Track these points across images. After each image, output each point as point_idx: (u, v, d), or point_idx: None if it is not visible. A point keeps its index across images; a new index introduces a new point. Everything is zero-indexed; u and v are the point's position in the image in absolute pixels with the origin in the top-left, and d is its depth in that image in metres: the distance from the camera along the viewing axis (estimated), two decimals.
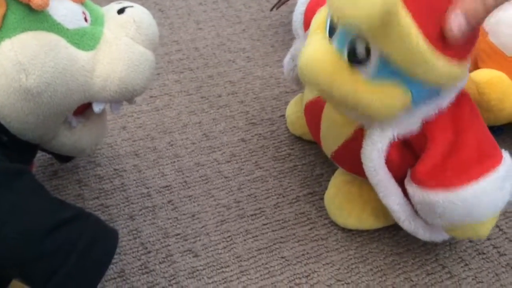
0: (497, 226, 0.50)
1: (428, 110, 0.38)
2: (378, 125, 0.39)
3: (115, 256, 0.45)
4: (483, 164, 0.38)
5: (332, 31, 0.36)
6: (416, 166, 0.39)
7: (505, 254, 0.48)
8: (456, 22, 0.32)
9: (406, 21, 0.31)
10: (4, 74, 0.31)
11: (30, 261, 0.30)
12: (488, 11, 0.32)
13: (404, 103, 0.35)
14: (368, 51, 0.34)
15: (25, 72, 0.31)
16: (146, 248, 0.46)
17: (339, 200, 0.48)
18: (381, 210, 0.46)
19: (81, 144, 0.38)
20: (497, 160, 0.39)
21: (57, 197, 0.35)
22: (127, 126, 0.56)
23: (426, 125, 0.38)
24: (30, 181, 0.32)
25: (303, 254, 0.47)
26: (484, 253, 0.48)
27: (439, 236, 0.45)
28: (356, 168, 0.43)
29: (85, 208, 0.48)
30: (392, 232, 0.49)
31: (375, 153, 0.39)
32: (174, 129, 0.56)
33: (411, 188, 0.40)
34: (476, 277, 0.46)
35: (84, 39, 0.35)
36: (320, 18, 0.39)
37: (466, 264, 0.47)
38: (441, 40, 0.33)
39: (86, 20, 0.36)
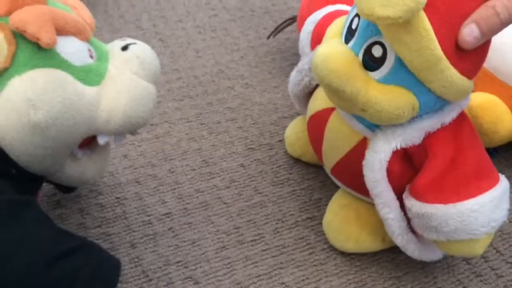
0: (494, 248, 0.51)
1: (432, 123, 0.39)
2: (382, 135, 0.40)
3: (118, 285, 0.46)
4: (481, 182, 0.39)
5: (348, 37, 0.39)
6: (416, 179, 0.40)
7: (502, 276, 0.49)
8: (468, 29, 0.34)
9: (426, 25, 0.33)
10: (13, 109, 0.32)
11: None
12: (503, 23, 0.34)
13: (411, 109, 0.37)
14: (384, 54, 0.36)
15: (34, 107, 0.32)
16: (148, 276, 0.47)
17: (336, 224, 0.48)
18: (379, 232, 0.47)
19: (86, 175, 0.39)
20: (494, 179, 0.40)
21: (61, 227, 0.36)
22: (128, 154, 0.57)
23: (428, 139, 0.39)
24: (36, 213, 0.33)
25: (303, 280, 0.48)
26: (481, 275, 0.49)
27: (429, 255, 0.46)
28: (355, 182, 0.44)
29: (87, 237, 0.49)
30: (390, 256, 0.49)
31: (377, 163, 0.40)
32: (174, 156, 0.57)
33: (409, 201, 0.41)
34: None
35: (90, 75, 0.36)
36: (335, 27, 0.42)
37: (465, 287, 0.48)
38: (455, 52, 0.35)
39: (91, 56, 0.37)
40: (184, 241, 0.49)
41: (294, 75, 0.51)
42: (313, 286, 0.47)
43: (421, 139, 0.39)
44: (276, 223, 0.52)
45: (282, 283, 0.47)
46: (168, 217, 0.51)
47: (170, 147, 0.58)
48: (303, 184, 0.56)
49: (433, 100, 0.37)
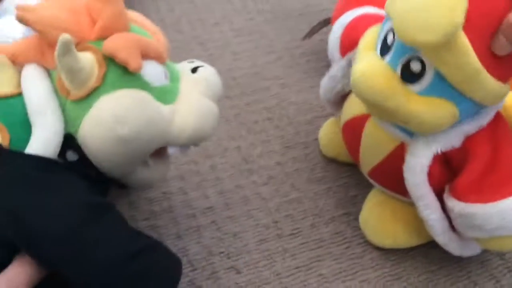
0: None
1: (471, 127, 0.41)
2: (423, 140, 0.42)
3: None
4: None
5: (383, 50, 0.40)
6: (457, 180, 0.42)
7: None
8: (496, 40, 0.36)
9: (464, 42, 0.35)
10: (102, 124, 0.36)
11: (115, 283, 0.34)
12: None
13: (452, 117, 0.39)
14: (423, 69, 0.38)
15: (120, 123, 0.36)
16: (193, 265, 0.50)
17: (373, 222, 0.50)
18: (414, 228, 0.49)
19: (153, 179, 0.43)
20: None
21: (133, 227, 0.39)
22: None
23: (467, 141, 0.41)
24: (115, 215, 0.37)
25: (340, 272, 0.50)
26: None
27: (469, 251, 0.47)
28: (394, 185, 0.46)
29: (137, 228, 0.52)
30: (425, 250, 0.51)
31: (418, 167, 0.42)
32: (215, 154, 0.60)
33: (451, 202, 0.42)
34: None
35: (166, 95, 0.40)
36: (369, 38, 0.43)
37: (498, 281, 0.49)
38: (491, 61, 0.36)
39: (166, 77, 0.41)
40: (226, 234, 0.52)
41: (326, 81, 0.52)
42: (350, 278, 0.49)
43: (460, 143, 0.41)
44: (313, 218, 0.54)
45: (320, 275, 0.49)
46: (211, 210, 0.54)
47: (211, 145, 0.61)
48: (338, 181, 0.58)
49: (472, 106, 0.39)
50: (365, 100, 0.39)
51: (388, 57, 0.40)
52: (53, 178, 0.36)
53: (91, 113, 0.37)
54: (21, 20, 0.36)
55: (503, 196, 0.40)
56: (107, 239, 0.35)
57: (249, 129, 0.63)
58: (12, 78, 0.39)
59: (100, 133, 0.36)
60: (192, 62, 0.44)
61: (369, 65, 0.39)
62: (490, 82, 0.37)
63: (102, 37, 0.37)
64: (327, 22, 0.71)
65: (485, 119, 0.41)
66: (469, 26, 0.35)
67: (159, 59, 0.40)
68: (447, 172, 0.43)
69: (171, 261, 0.39)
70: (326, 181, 0.58)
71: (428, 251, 0.51)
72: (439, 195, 0.44)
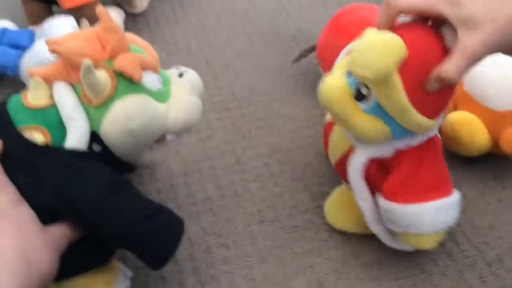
0: (465, 235, 0.64)
1: (401, 144, 0.51)
2: (362, 146, 0.53)
3: None
4: (432, 192, 0.51)
5: (349, 74, 0.50)
6: (384, 182, 0.53)
7: (469, 257, 0.62)
8: (431, 86, 0.45)
9: (396, 81, 0.44)
10: (117, 121, 0.47)
11: (136, 236, 0.47)
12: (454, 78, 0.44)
13: (384, 136, 0.49)
14: (368, 94, 0.48)
15: (131, 119, 0.48)
16: (192, 242, 0.62)
17: (331, 208, 0.63)
18: (362, 220, 0.60)
19: (156, 160, 0.55)
20: (445, 193, 0.52)
21: (147, 198, 0.51)
22: (179, 152, 0.73)
23: (398, 154, 0.51)
24: (133, 188, 0.49)
25: (309, 251, 0.62)
26: (452, 255, 0.62)
27: (398, 245, 0.58)
28: (345, 177, 0.57)
29: None
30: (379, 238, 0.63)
31: (355, 165, 0.53)
32: (214, 156, 0.73)
33: (379, 199, 0.54)
34: (441, 272, 0.60)
35: (161, 96, 0.51)
36: (343, 61, 0.53)
37: (436, 263, 0.61)
38: (419, 100, 0.46)
39: (160, 82, 0.52)
40: (220, 219, 0.65)
41: None
42: (316, 255, 0.61)
43: (392, 153, 0.52)
44: (291, 209, 0.66)
45: (293, 252, 0.62)
46: (208, 200, 0.67)
47: (211, 148, 0.74)
48: (314, 179, 0.70)
49: (403, 131, 0.48)
50: (324, 106, 0.50)
51: (350, 79, 0.50)
52: (86, 163, 0.47)
53: (108, 115, 0.47)
54: (53, 52, 0.47)
55: (415, 201, 0.51)
56: (128, 205, 0.47)
57: (243, 135, 0.76)
58: (46, 93, 0.49)
59: (116, 128, 0.48)
60: (179, 68, 0.55)
61: (332, 81, 0.49)
62: (416, 116, 0.46)
63: (111, 58, 0.48)
64: (314, 48, 0.83)
65: (414, 140, 0.50)
66: (405, 70, 0.44)
67: (153, 69, 0.51)
68: (382, 173, 0.53)
69: (176, 220, 0.51)
70: (304, 180, 0.70)
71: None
72: (376, 191, 0.55)
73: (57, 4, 0.85)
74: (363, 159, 0.53)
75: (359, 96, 0.49)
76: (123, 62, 0.48)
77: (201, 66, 0.88)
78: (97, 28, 0.50)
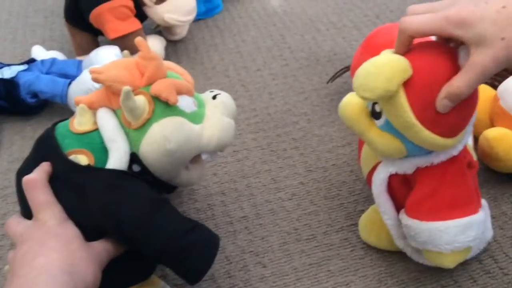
0: (504, 252, 0.63)
1: (421, 161, 0.51)
2: (385, 162, 0.54)
3: None
4: (453, 211, 0.51)
5: None
6: (407, 198, 0.54)
7: (508, 274, 0.60)
8: (441, 103, 0.46)
9: (402, 100, 0.46)
10: (155, 143, 0.50)
11: (173, 253, 0.49)
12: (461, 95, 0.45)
13: (399, 151, 0.50)
14: (381, 111, 0.49)
15: (168, 141, 0.50)
16: (229, 260, 0.64)
17: (365, 223, 0.63)
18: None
19: (192, 179, 0.57)
20: (466, 213, 0.52)
21: (183, 214, 0.54)
22: (217, 173, 0.75)
23: (419, 171, 0.52)
24: (171, 206, 0.52)
25: (344, 269, 0.62)
26: (490, 273, 0.61)
27: (423, 259, 0.58)
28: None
29: None
30: None
31: (378, 180, 0.55)
32: (250, 175, 0.75)
33: (401, 214, 0.55)
34: None
35: (196, 118, 0.54)
36: None
37: (475, 281, 0.60)
38: (430, 120, 0.46)
39: (195, 105, 0.55)
40: (256, 237, 0.66)
41: None
42: (352, 274, 0.62)
43: (413, 170, 0.52)
44: (326, 227, 0.67)
45: (328, 271, 0.62)
46: (245, 219, 0.69)
47: (247, 168, 0.76)
48: (349, 198, 0.71)
49: (417, 148, 0.49)
50: (343, 121, 0.53)
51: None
52: (127, 183, 0.50)
53: (147, 136, 0.50)
54: (96, 80, 0.51)
55: (432, 219, 0.51)
56: (168, 221, 0.49)
57: (278, 155, 0.78)
58: (90, 119, 0.52)
59: (154, 149, 0.50)
60: (212, 91, 0.58)
61: (350, 98, 0.52)
62: (424, 134, 0.46)
63: (149, 84, 0.51)
64: (348, 68, 0.85)
65: (435, 159, 0.51)
66: (412, 89, 0.46)
67: (188, 93, 0.53)
68: (406, 189, 0.54)
69: (212, 236, 0.53)
70: (339, 198, 0.71)
71: None
72: (402, 207, 0.55)
73: (102, 34, 0.91)
74: (385, 174, 0.54)
75: (374, 114, 0.50)
76: (159, 87, 0.51)
77: (238, 89, 0.91)
78: (136, 57, 0.53)
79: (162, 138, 0.50)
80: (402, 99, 0.46)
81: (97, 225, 0.49)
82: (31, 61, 0.88)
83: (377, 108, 0.50)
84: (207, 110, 0.56)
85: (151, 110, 0.50)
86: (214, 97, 0.57)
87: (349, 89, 0.88)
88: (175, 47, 1.02)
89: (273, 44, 1.01)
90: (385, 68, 0.46)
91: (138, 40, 0.52)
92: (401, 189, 0.55)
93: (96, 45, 0.94)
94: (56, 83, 0.82)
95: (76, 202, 0.49)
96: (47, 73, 0.85)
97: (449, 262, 0.53)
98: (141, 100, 0.50)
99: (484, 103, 0.72)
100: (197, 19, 1.05)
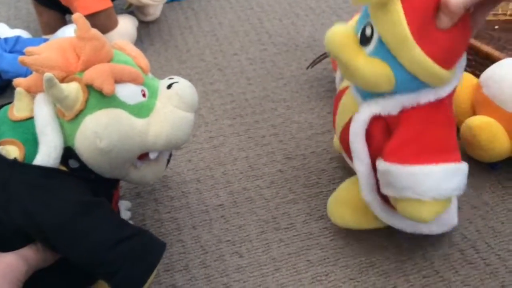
0: (485, 242, 0.62)
1: (408, 99, 0.48)
2: (367, 102, 0.50)
3: (181, 254, 0.61)
4: (439, 155, 0.48)
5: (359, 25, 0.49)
6: (387, 142, 0.50)
7: (490, 265, 0.59)
8: (439, 19, 0.44)
9: (398, 10, 0.44)
10: (87, 139, 0.44)
11: (102, 263, 0.44)
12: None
13: (387, 80, 0.47)
14: (371, 34, 0.47)
15: (99, 138, 0.44)
16: (205, 249, 0.61)
17: (335, 200, 0.62)
18: (362, 212, 0.57)
19: (146, 178, 0.51)
20: (452, 158, 0.49)
21: (124, 220, 0.49)
22: (192, 159, 0.72)
23: (403, 113, 0.49)
24: (105, 209, 0.46)
25: (324, 259, 0.60)
26: (472, 263, 0.60)
27: (394, 221, 0.55)
28: (347, 147, 0.54)
29: (160, 220, 0.64)
30: (397, 244, 0.61)
31: (358, 122, 0.51)
32: (227, 162, 0.72)
33: (378, 161, 0.51)
34: (463, 281, 0.58)
35: (141, 110, 0.47)
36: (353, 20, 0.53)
37: (456, 271, 0.59)
38: (423, 36, 0.44)
39: (144, 95, 0.48)
40: (233, 226, 0.64)
41: (338, 78, 0.64)
42: (332, 264, 0.60)
43: (397, 111, 0.49)
44: (306, 216, 0.65)
45: (307, 260, 0.60)
46: (221, 207, 0.66)
47: (224, 155, 0.73)
48: (329, 186, 0.68)
49: (408, 78, 0.46)
50: (330, 52, 0.49)
51: (357, 25, 0.49)
52: (52, 183, 0.44)
53: (79, 131, 0.45)
54: (22, 63, 0.44)
55: (415, 163, 0.48)
56: (95, 228, 0.44)
57: (256, 142, 0.75)
58: (28, 105, 0.46)
59: (86, 146, 0.45)
60: (172, 78, 0.50)
61: (339, 27, 0.49)
62: (417, 52, 0.44)
63: (86, 69, 0.45)
64: (329, 54, 0.83)
65: (423, 98, 0.48)
66: (408, 2, 0.44)
67: (134, 80, 0.47)
68: (386, 138, 0.51)
69: (153, 247, 0.47)
70: (318, 186, 0.69)
71: (399, 244, 0.61)
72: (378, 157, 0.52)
73: (70, 13, 0.86)
74: (367, 115, 0.51)
75: (364, 40, 0.48)
76: (92, 73, 0.44)
77: (214, 73, 0.87)
78: (73, 36, 0.46)
79: (93, 134, 0.44)
80: (398, 6, 0.44)
81: (19, 229, 0.43)
82: None
83: (368, 31, 0.47)
84: (158, 101, 0.48)
85: (85, 100, 0.44)
86: (169, 86, 0.49)
87: (328, 75, 0.86)
88: (147, 29, 0.98)
89: (251, 28, 0.98)
90: None
91: (76, 15, 0.45)
92: (380, 136, 0.51)
93: (64, 23, 0.89)
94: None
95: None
96: (10, 52, 0.80)
97: (427, 213, 0.49)
98: (71, 89, 0.43)
99: (466, 91, 0.71)
100: (170, 1, 1.00)
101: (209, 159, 0.72)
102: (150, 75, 0.51)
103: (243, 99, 0.82)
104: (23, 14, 1.02)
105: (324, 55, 0.84)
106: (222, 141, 0.75)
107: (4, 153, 0.44)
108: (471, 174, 0.67)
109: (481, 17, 0.47)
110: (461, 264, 0.60)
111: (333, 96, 0.81)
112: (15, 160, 0.44)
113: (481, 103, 0.69)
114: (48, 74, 0.42)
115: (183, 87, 0.49)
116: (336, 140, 0.71)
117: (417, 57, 0.45)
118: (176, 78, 0.50)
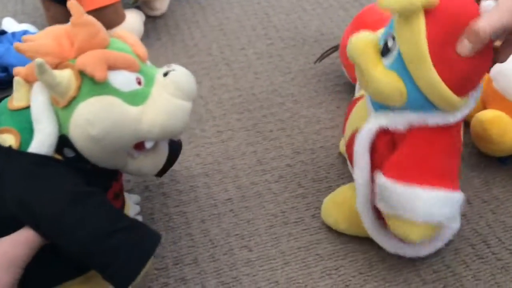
0: (496, 237, 0.61)
1: (416, 117, 0.48)
2: (377, 113, 0.50)
3: (190, 248, 0.60)
4: (436, 180, 0.48)
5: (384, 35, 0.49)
6: (389, 157, 0.50)
7: (501, 259, 0.59)
8: (461, 43, 0.43)
9: (420, 24, 0.43)
10: (79, 127, 0.44)
11: (94, 254, 0.43)
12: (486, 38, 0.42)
13: (399, 94, 0.46)
14: (393, 46, 0.46)
15: (91, 125, 0.43)
16: (214, 243, 0.61)
17: (330, 202, 0.62)
18: (356, 219, 0.56)
19: (144, 169, 0.50)
20: (447, 186, 0.49)
21: (120, 212, 0.48)
22: (200, 153, 0.72)
23: (410, 131, 0.49)
24: (99, 200, 0.45)
25: (333, 253, 0.60)
26: (483, 258, 0.59)
27: (381, 239, 0.55)
28: (352, 153, 0.53)
29: (169, 214, 0.64)
30: None
31: (365, 131, 0.50)
32: (235, 156, 0.72)
33: (377, 174, 0.50)
34: (474, 276, 0.57)
35: (135, 98, 0.46)
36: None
37: (467, 266, 0.58)
38: (441, 59, 0.44)
39: (140, 83, 0.47)
40: (242, 220, 0.63)
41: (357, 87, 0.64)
42: (341, 258, 0.59)
43: (405, 127, 0.49)
44: (314, 210, 0.65)
45: (317, 254, 0.60)
46: (230, 201, 0.66)
47: (232, 149, 0.73)
48: (338, 181, 0.68)
49: (419, 97, 0.46)
50: (350, 56, 0.49)
51: (382, 35, 0.49)
52: (46, 171, 0.44)
53: (72, 118, 0.44)
54: (17, 50, 0.44)
55: (412, 181, 0.48)
56: (87, 219, 0.43)
57: (264, 137, 0.74)
58: (26, 94, 0.46)
59: (79, 134, 0.44)
60: (170, 66, 0.49)
61: (363, 34, 0.49)
62: (432, 75, 0.44)
63: (79, 55, 0.44)
64: (337, 48, 0.82)
65: (431, 119, 0.48)
66: (433, 17, 0.43)
67: (129, 67, 0.46)
68: (390, 152, 0.50)
69: (148, 238, 0.46)
70: (327, 181, 0.68)
71: None
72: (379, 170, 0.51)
73: None
74: (374, 126, 0.50)
75: (385, 51, 0.48)
76: (84, 60, 0.43)
77: (221, 67, 0.87)
78: (68, 24, 0.46)
79: (85, 121, 0.43)
80: (421, 22, 0.43)
81: (13, 216, 0.43)
82: (2, 33, 0.83)
83: (390, 43, 0.47)
84: (154, 89, 0.47)
85: (77, 87, 0.43)
86: (165, 74, 0.48)
87: (336, 69, 0.85)
88: (154, 23, 0.97)
89: (258, 22, 0.98)
90: None
91: (71, 2, 0.45)
92: (384, 150, 0.51)
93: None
94: None
95: None
96: None
97: (416, 235, 0.49)
98: (64, 75, 0.43)
99: None
100: None
101: (217, 154, 0.72)
102: (148, 63, 0.51)
103: (250, 94, 0.82)
104: (30, 8, 1.02)
105: (332, 49, 0.83)
106: (230, 135, 0.75)
107: (0, 141, 0.45)
108: (480, 168, 0.68)
109: (508, 51, 0.46)
110: (472, 258, 0.59)
111: (341, 91, 0.81)
112: (9, 147, 0.44)
113: (492, 97, 0.68)
114: (38, 60, 0.41)
115: (180, 74, 0.48)
116: (342, 143, 0.70)
117: (431, 79, 0.45)
118: (173, 66, 0.49)
